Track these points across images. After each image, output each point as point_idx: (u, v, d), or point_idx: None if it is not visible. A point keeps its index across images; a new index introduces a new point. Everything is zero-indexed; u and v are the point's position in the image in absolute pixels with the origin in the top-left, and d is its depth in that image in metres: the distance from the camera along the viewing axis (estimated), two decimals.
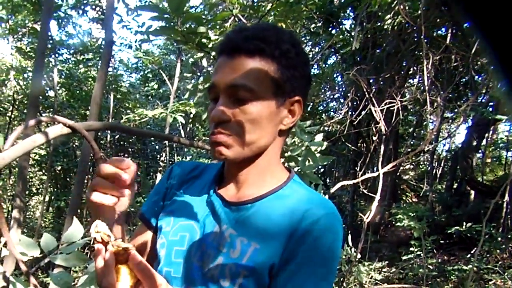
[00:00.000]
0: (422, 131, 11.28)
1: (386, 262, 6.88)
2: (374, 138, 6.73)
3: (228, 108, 0.80)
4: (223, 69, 0.81)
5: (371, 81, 6.55)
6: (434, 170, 10.81)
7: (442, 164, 12.10)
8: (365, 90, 4.94)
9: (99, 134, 9.62)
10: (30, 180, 11.71)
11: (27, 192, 10.77)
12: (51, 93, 9.40)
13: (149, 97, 11.92)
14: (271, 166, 0.88)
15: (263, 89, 0.80)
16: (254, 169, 0.86)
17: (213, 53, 2.81)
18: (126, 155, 12.67)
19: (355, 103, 7.03)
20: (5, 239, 1.54)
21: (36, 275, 6.43)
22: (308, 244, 0.76)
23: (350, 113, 6.19)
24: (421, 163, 13.79)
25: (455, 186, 9.76)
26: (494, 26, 0.24)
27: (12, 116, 10.31)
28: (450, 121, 10.32)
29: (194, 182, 0.96)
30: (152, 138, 11.14)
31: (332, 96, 9.56)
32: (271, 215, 0.81)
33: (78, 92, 10.29)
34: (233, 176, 0.88)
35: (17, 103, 10.00)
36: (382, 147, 5.81)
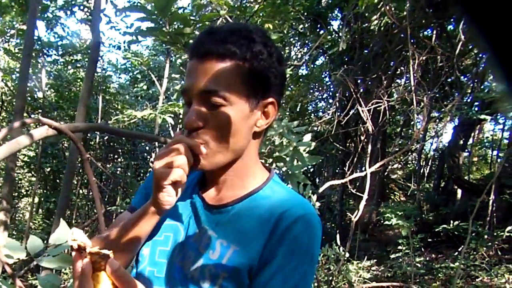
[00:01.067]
0: (409, 131, 11.36)
1: (375, 260, 6.94)
2: (362, 138, 6.79)
3: (200, 113, 0.79)
4: (194, 73, 0.80)
5: (358, 81, 6.62)
6: (422, 169, 10.90)
7: (429, 163, 12.19)
8: (352, 90, 4.99)
9: (88, 135, 9.57)
10: (19, 181, 11.60)
11: (16, 194, 10.69)
12: (40, 94, 9.32)
13: (138, 98, 11.86)
14: (249, 168, 0.88)
15: (235, 93, 0.78)
16: (232, 172, 0.86)
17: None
18: (115, 156, 12.62)
19: (343, 103, 7.09)
20: None
21: (26, 277, 6.38)
22: (287, 244, 0.77)
23: (338, 113, 6.24)
24: (409, 162, 13.91)
25: (442, 185, 9.83)
26: (494, 26, 0.25)
27: (0, 117, 10.20)
28: (437, 120, 10.41)
29: None
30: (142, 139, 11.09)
31: (320, 96, 9.61)
32: (250, 218, 0.82)
33: (66, 93, 10.24)
34: (213, 179, 0.89)
35: (5, 104, 9.90)
36: (370, 146, 5.87)
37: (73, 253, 0.69)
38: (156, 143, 9.51)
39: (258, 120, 0.84)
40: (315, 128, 7.99)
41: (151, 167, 0.75)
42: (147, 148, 12.11)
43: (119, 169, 12.94)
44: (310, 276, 0.80)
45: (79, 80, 10.38)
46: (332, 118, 6.23)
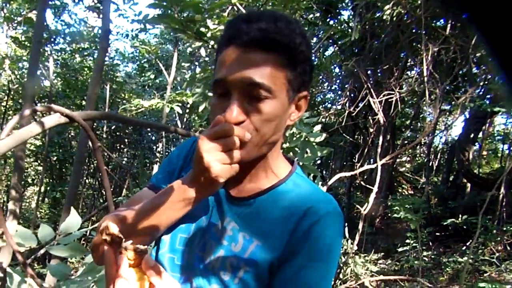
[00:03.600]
0: (419, 123, 11.29)
1: (382, 254, 6.92)
2: (371, 130, 6.73)
3: (243, 107, 0.75)
4: (236, 64, 0.75)
5: (369, 72, 6.53)
6: (431, 163, 10.82)
7: (438, 157, 12.13)
8: (363, 81, 4.92)
9: (95, 124, 9.57)
10: (26, 170, 11.66)
11: (22, 183, 10.72)
12: (47, 83, 9.31)
13: (146, 87, 11.85)
14: (274, 161, 0.86)
15: (278, 86, 0.76)
16: (260, 164, 0.84)
17: (212, 43, 2.77)
18: (122, 146, 12.65)
19: (352, 95, 7.02)
20: (2, 229, 1.52)
21: (32, 266, 6.42)
22: (310, 243, 0.77)
23: (348, 104, 6.18)
24: (418, 155, 13.84)
25: (451, 178, 9.78)
26: (494, 27, 0.24)
27: (7, 106, 10.23)
28: (448, 113, 10.33)
29: None
30: (148, 129, 11.10)
31: (329, 88, 9.54)
32: (272, 212, 0.81)
33: (73, 81, 10.22)
34: (239, 170, 0.85)
35: (12, 92, 9.92)
36: (381, 138, 5.81)
37: (106, 247, 0.67)
38: (163, 133, 9.51)
39: (292, 113, 0.83)
40: (323, 120, 7.94)
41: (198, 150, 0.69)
42: (153, 138, 12.13)
43: (125, 159, 12.98)
44: (331, 275, 0.80)
45: (86, 69, 10.36)
46: (342, 110, 6.17)
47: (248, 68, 0.74)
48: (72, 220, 1.76)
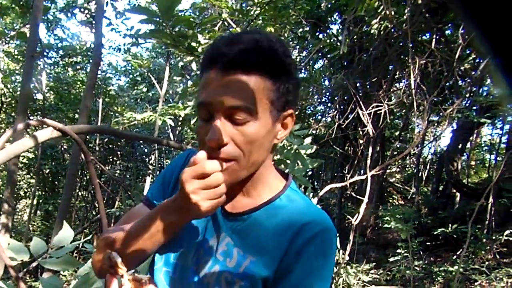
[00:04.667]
0: (408, 135, 11.39)
1: (374, 264, 6.93)
2: (361, 142, 6.80)
3: (225, 130, 0.75)
4: (218, 86, 0.75)
5: (358, 85, 6.63)
6: (420, 173, 10.92)
7: (428, 167, 12.23)
8: (352, 93, 5.00)
9: (87, 137, 9.56)
10: (18, 183, 11.57)
11: (14, 196, 10.62)
12: (39, 96, 9.32)
13: (138, 100, 11.86)
14: (264, 178, 0.86)
15: (261, 108, 0.76)
16: (253, 179, 0.85)
17: (202, 74, 2.82)
18: (115, 158, 12.61)
19: (342, 107, 7.10)
20: None
21: (24, 279, 6.35)
22: (305, 259, 0.77)
23: (337, 116, 6.25)
24: (407, 166, 13.92)
25: (441, 188, 9.83)
26: (495, 27, 0.24)
27: (0, 119, 10.19)
28: (436, 124, 10.45)
29: None
30: (141, 141, 11.09)
31: (319, 100, 9.62)
32: (266, 228, 0.81)
33: (66, 95, 10.23)
34: (230, 187, 0.84)
35: (5, 106, 9.90)
36: (370, 149, 5.88)
37: (107, 276, 0.69)
38: (156, 146, 9.53)
39: (278, 132, 0.82)
40: (313, 132, 8.00)
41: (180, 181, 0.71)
42: (145, 150, 12.11)
43: (117, 171, 12.93)
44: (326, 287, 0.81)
45: (78, 82, 10.38)
46: (332, 122, 6.24)
47: (228, 91, 0.74)
48: (65, 233, 1.76)
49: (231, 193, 0.85)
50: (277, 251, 0.78)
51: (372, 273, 6.92)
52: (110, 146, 11.80)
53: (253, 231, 0.82)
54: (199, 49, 2.74)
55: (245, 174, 0.80)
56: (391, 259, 6.74)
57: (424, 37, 6.51)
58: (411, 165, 13.36)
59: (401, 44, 5.96)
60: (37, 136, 1.70)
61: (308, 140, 2.79)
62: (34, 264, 1.84)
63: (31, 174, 11.37)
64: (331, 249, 0.81)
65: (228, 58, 0.74)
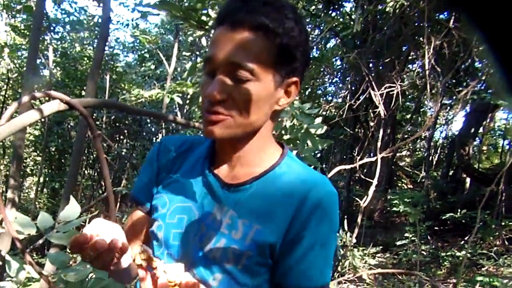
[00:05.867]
0: (419, 118, 11.27)
1: (381, 247, 6.94)
2: (372, 123, 6.71)
3: (225, 86, 0.76)
4: (224, 42, 0.76)
5: (370, 65, 6.49)
6: (431, 157, 10.82)
7: (438, 151, 12.13)
8: (365, 73, 4.89)
9: (94, 114, 9.53)
10: (25, 161, 11.63)
11: (21, 173, 10.70)
12: (46, 72, 9.25)
13: (146, 78, 11.79)
14: (264, 145, 0.86)
15: (263, 69, 0.76)
16: (248, 148, 0.85)
17: (213, 31, 2.75)
18: (121, 137, 12.61)
19: (353, 88, 6.98)
20: (1, 215, 1.51)
21: (31, 255, 6.42)
22: (312, 226, 0.78)
23: (349, 97, 6.15)
24: (418, 149, 13.84)
25: (451, 173, 9.80)
26: (495, 27, 0.24)
27: (6, 95, 10.18)
28: (448, 108, 10.31)
29: (186, 159, 0.93)
30: (148, 120, 11.06)
31: (330, 80, 9.50)
32: (270, 195, 0.81)
33: (73, 71, 10.15)
34: (227, 155, 0.87)
35: (11, 81, 9.86)
36: (381, 131, 5.79)
37: (140, 272, 0.71)
38: (163, 124, 9.48)
39: (281, 98, 0.82)
40: (324, 113, 7.91)
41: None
42: (153, 129, 12.10)
43: (124, 150, 12.94)
44: (333, 251, 0.83)
45: (85, 58, 10.29)
46: (343, 102, 6.14)
47: (233, 48, 0.75)
48: (72, 208, 1.74)
49: (229, 163, 0.86)
50: (283, 218, 0.79)
51: (378, 257, 6.93)
52: (117, 124, 11.77)
53: (257, 199, 0.82)
54: (210, 23, 2.66)
55: (240, 132, 0.80)
56: (398, 243, 6.73)
57: (441, 16, 6.32)
58: (422, 149, 13.28)
59: (416, 23, 5.79)
60: (43, 109, 1.64)
61: (318, 120, 2.72)
62: (40, 241, 1.81)
63: (38, 152, 11.40)
64: (336, 212, 0.82)
65: (237, 16, 0.75)
